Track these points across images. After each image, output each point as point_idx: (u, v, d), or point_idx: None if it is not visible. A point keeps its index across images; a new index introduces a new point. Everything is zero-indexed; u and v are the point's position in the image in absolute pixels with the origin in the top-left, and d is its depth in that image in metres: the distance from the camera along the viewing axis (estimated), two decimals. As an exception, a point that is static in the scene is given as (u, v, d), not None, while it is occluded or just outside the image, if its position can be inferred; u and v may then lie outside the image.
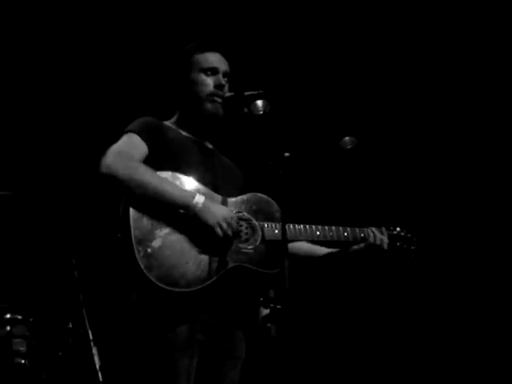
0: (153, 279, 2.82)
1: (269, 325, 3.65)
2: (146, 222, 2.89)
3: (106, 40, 5.49)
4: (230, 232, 2.97)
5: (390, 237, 3.40)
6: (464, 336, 5.76)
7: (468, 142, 5.84)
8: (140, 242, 2.85)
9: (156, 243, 2.87)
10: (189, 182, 3.05)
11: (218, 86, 3.24)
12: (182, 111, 3.33)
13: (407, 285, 5.86)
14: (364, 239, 3.32)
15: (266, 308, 3.65)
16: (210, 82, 3.25)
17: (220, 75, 3.27)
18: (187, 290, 2.87)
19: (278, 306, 3.63)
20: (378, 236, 3.33)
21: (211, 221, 2.95)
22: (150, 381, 2.94)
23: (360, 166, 5.93)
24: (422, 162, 5.96)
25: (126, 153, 2.99)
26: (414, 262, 3.49)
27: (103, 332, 4.86)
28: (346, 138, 3.72)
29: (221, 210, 3.00)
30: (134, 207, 2.90)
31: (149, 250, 2.85)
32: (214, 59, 3.29)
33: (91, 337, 4.73)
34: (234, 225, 2.99)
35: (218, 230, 2.95)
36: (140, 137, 3.07)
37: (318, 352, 5.87)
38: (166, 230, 2.91)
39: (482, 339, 5.71)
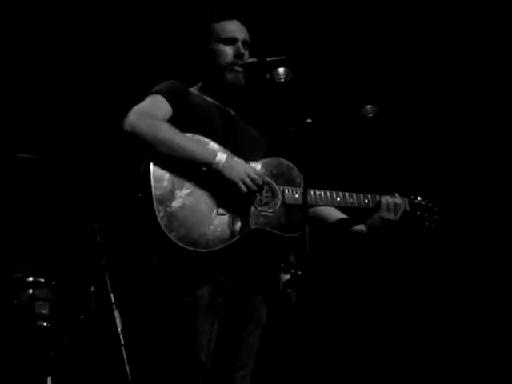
0: (173, 239, 2.83)
1: (289, 291, 3.67)
2: (166, 182, 2.90)
3: (134, 8, 5.51)
4: (254, 187, 2.98)
5: (410, 205, 3.40)
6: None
7: (497, 109, 5.78)
8: (160, 201, 2.86)
9: (176, 203, 2.89)
10: (210, 144, 3.06)
11: (238, 55, 3.24)
12: (205, 80, 3.34)
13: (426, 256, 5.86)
14: (378, 204, 3.31)
15: (286, 274, 3.67)
16: (229, 51, 3.24)
17: (239, 43, 3.26)
18: (207, 250, 2.89)
19: (299, 272, 3.64)
20: (391, 201, 3.31)
21: (234, 177, 2.95)
22: (171, 344, 2.96)
23: (381, 134, 5.90)
24: (444, 132, 5.92)
25: (150, 112, 2.99)
26: (434, 231, 3.49)
27: (125, 295, 4.90)
28: (368, 106, 3.70)
29: (244, 166, 3.00)
30: (155, 166, 2.91)
31: (169, 210, 2.86)
32: (231, 28, 3.28)
33: (113, 300, 4.77)
34: (259, 178, 3.00)
35: (242, 185, 2.95)
36: (165, 98, 3.08)
37: (339, 318, 5.90)
38: (186, 191, 2.92)
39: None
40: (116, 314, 4.74)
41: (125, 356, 4.62)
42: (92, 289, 4.90)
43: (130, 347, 4.68)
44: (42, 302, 4.65)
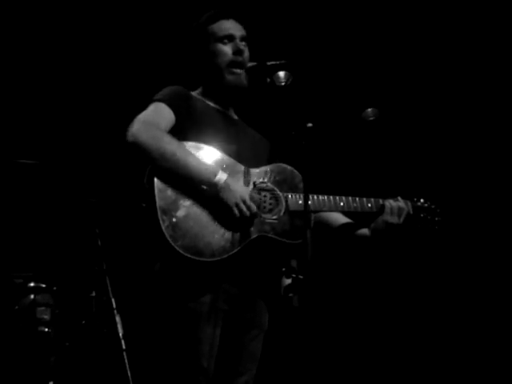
0: (178, 249, 2.83)
1: (291, 295, 3.67)
2: (170, 192, 2.90)
3: (136, 14, 5.51)
4: (247, 213, 2.96)
5: (413, 208, 3.40)
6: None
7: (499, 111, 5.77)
8: (165, 211, 2.86)
9: (180, 213, 2.89)
10: (213, 153, 3.05)
11: (237, 52, 3.22)
12: (206, 83, 3.32)
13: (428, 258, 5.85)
14: (382, 207, 3.31)
15: (288, 278, 3.66)
16: (227, 49, 3.23)
17: (237, 40, 3.25)
18: (212, 259, 2.89)
19: (301, 276, 3.63)
20: (395, 204, 3.31)
21: (230, 201, 2.94)
22: (173, 349, 2.96)
23: (382, 137, 5.90)
24: (445, 134, 5.91)
25: (153, 122, 2.99)
26: (437, 233, 3.48)
27: (126, 300, 4.90)
28: (369, 109, 3.70)
29: (241, 190, 3.00)
30: (158, 177, 2.91)
31: (173, 220, 2.86)
32: (228, 26, 3.27)
33: (114, 305, 4.77)
34: (253, 206, 2.99)
35: (236, 210, 2.95)
36: (167, 106, 3.07)
37: (340, 322, 5.89)
38: (190, 201, 2.92)
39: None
40: (117, 318, 4.74)
41: (126, 361, 4.62)
42: (93, 294, 4.91)
43: (132, 352, 4.67)
44: (43, 308, 4.64)
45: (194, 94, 3.28)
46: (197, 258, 2.86)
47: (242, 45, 3.25)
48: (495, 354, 5.61)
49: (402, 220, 3.30)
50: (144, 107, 3.07)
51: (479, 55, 5.64)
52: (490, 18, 5.49)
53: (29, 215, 5.43)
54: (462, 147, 5.86)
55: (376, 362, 5.83)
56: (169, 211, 2.87)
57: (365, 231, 3.33)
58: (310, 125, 2.92)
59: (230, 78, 3.22)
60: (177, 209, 2.89)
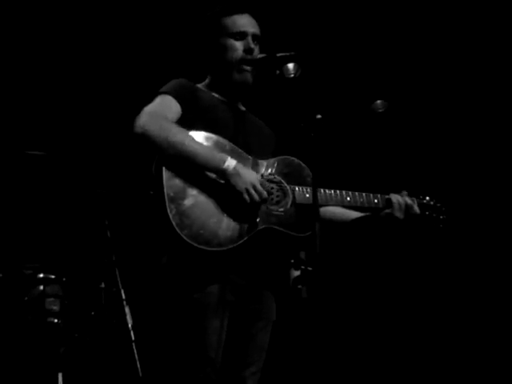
0: (184, 237, 2.83)
1: (300, 286, 3.69)
2: (178, 180, 2.90)
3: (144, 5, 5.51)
4: (257, 198, 2.96)
5: (419, 206, 3.39)
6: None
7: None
8: (172, 200, 2.86)
9: (188, 202, 2.89)
10: (221, 143, 3.05)
11: (247, 50, 3.20)
12: (213, 75, 3.31)
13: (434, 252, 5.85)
14: (389, 202, 3.30)
15: (296, 270, 3.68)
16: (238, 46, 3.20)
17: (249, 38, 3.22)
18: (218, 249, 2.89)
19: (309, 268, 3.65)
20: (402, 200, 3.30)
21: (240, 186, 2.94)
22: (181, 341, 2.97)
23: (391, 129, 5.89)
24: (453, 129, 5.90)
25: (160, 113, 2.99)
26: (442, 232, 3.48)
27: (135, 291, 4.91)
28: (378, 101, 3.71)
29: (251, 176, 2.99)
30: (166, 166, 2.91)
31: (181, 209, 2.86)
32: (242, 22, 3.24)
33: (124, 296, 4.78)
34: (263, 191, 2.99)
35: (246, 196, 2.95)
36: (173, 98, 3.07)
37: (348, 313, 5.90)
38: (198, 189, 2.92)
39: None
40: (126, 310, 4.76)
41: (135, 352, 4.63)
42: (102, 285, 4.91)
43: (141, 343, 4.69)
44: (52, 299, 4.66)
45: (199, 86, 3.28)
46: (203, 248, 2.86)
47: (254, 43, 3.24)
48: (496, 353, 5.61)
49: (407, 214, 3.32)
50: (150, 99, 3.07)
51: (488, 49, 5.62)
52: (494, 12, 5.47)
53: (38, 206, 5.45)
54: (471, 142, 5.84)
55: (383, 354, 5.84)
56: (176, 200, 2.87)
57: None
58: (319, 116, 2.92)
59: (237, 76, 3.20)
60: (185, 197, 2.89)
